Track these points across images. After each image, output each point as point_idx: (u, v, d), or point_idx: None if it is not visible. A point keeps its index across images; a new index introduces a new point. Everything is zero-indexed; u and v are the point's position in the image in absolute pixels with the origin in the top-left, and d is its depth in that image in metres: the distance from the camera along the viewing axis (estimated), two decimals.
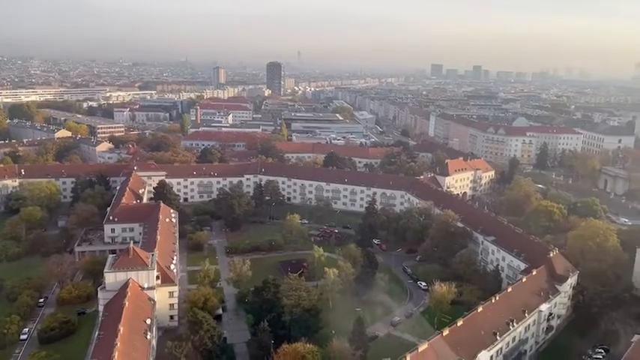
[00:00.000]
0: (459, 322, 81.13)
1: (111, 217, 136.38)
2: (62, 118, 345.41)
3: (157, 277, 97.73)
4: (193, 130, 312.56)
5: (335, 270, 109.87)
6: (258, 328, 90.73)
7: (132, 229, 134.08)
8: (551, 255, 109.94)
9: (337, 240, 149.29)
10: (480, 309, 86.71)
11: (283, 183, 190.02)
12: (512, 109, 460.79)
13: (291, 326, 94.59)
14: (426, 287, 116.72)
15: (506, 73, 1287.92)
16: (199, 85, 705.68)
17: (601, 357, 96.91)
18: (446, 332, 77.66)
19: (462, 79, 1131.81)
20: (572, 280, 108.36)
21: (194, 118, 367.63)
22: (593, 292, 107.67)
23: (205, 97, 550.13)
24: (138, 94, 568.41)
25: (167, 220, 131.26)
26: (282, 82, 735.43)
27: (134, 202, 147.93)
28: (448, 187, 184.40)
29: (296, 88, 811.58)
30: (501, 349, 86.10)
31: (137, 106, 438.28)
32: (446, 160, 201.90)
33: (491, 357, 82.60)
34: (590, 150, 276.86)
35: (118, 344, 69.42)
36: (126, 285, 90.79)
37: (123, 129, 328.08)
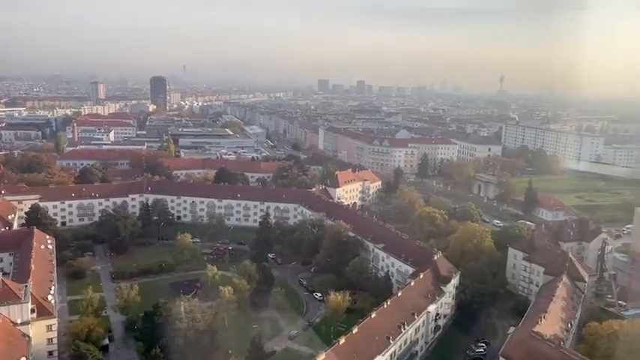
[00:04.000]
0: (355, 330, 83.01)
1: None
2: None
3: (32, 311, 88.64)
4: (70, 148, 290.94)
5: (230, 288, 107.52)
6: (149, 356, 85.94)
7: (1, 260, 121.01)
8: (436, 258, 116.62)
9: (231, 257, 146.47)
10: (373, 315, 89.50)
11: (172, 201, 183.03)
12: (395, 122, 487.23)
13: (185, 350, 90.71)
14: (322, 298, 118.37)
15: (387, 88, 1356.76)
16: (76, 101, 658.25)
17: (482, 350, 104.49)
18: (342, 341, 79.00)
19: (347, 94, 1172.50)
20: (454, 281, 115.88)
21: (71, 136, 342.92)
22: (473, 290, 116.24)
23: (83, 113, 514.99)
24: (4, 111, 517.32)
25: (42, 247, 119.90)
26: (168, 97, 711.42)
27: (3, 229, 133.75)
28: (339, 198, 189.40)
29: (183, 102, 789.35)
30: (395, 352, 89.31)
31: (3, 124, 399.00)
32: (336, 172, 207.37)
33: None
34: (464, 159, 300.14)
35: None
36: None
37: None
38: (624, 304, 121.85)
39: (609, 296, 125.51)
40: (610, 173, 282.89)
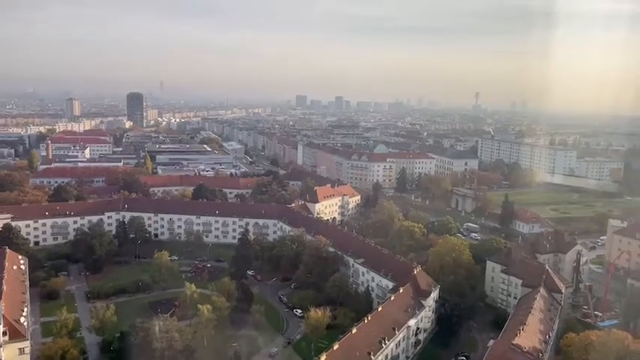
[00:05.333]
0: (335, 346, 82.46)
1: None
2: None
3: (4, 333, 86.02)
4: (44, 166, 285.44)
5: (209, 306, 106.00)
6: None
7: None
8: (415, 272, 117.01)
9: (210, 274, 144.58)
10: (354, 330, 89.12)
11: (149, 219, 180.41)
12: (373, 137, 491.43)
13: None
14: (302, 314, 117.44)
15: (365, 104, 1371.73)
16: (50, 118, 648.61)
17: None
18: (323, 358, 78.26)
19: (325, 110, 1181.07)
20: (434, 295, 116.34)
21: (45, 154, 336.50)
22: (453, 304, 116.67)
23: (58, 130, 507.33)
24: None
25: (14, 267, 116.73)
26: (145, 114, 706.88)
27: None
28: (318, 214, 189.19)
29: (160, 119, 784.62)
30: None
31: None
32: (315, 188, 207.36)
33: None
34: (442, 173, 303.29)
35: None
36: None
37: None
38: (600, 314, 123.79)
39: (585, 307, 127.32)
40: (583, 186, 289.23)
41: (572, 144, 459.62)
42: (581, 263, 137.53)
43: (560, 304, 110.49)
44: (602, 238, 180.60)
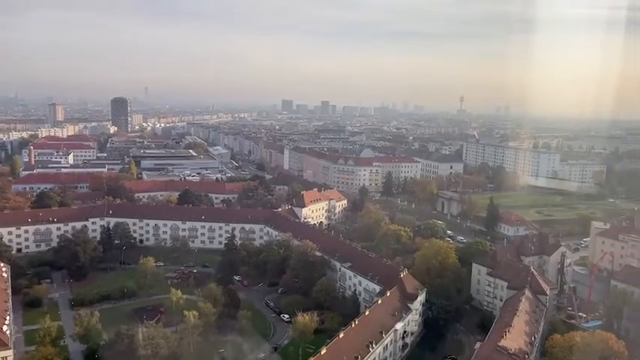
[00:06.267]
0: (323, 351, 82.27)
1: None
2: None
3: None
4: (27, 172, 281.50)
5: (195, 312, 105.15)
6: None
7: None
8: (402, 275, 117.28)
9: (196, 280, 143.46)
10: (341, 335, 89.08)
11: (134, 224, 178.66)
12: (359, 142, 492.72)
13: None
14: (289, 319, 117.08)
15: (351, 108, 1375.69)
16: (33, 124, 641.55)
17: None
18: None
19: (311, 114, 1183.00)
20: (421, 298, 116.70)
21: (27, 160, 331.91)
22: (439, 307, 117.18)
23: (41, 136, 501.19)
24: None
25: None
26: (130, 119, 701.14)
27: None
28: (305, 218, 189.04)
29: (145, 124, 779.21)
30: None
31: None
32: (301, 192, 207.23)
33: None
34: (427, 176, 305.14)
35: None
36: None
37: None
38: (584, 315, 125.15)
39: (570, 308, 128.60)
40: (566, 188, 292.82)
41: (555, 147, 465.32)
42: (565, 265, 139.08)
43: (545, 306, 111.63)
44: (585, 239, 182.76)
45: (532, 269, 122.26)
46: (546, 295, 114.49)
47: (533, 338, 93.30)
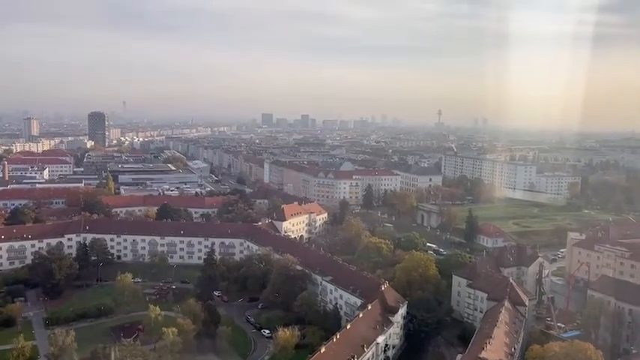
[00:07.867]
0: None
1: None
2: None
3: None
4: (1, 188, 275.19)
5: (174, 329, 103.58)
6: None
7: None
8: (383, 288, 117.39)
9: (175, 296, 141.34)
10: (323, 349, 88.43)
11: (112, 240, 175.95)
12: (339, 155, 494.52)
13: None
14: (270, 335, 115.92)
15: (331, 122, 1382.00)
16: (7, 138, 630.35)
17: None
18: None
19: (291, 128, 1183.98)
20: (402, 311, 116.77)
21: (1, 175, 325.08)
22: (420, 320, 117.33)
23: (15, 150, 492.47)
24: None
25: None
26: (107, 133, 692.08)
27: None
28: (286, 232, 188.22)
29: (122, 138, 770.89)
30: None
31: None
32: (282, 206, 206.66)
33: None
34: (407, 189, 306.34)
35: None
36: None
37: None
38: (563, 326, 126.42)
39: (549, 319, 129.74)
40: (543, 200, 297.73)
41: (531, 159, 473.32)
42: (543, 276, 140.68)
43: (525, 317, 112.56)
44: (562, 250, 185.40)
45: (511, 280, 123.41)
46: (525, 305, 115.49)
47: (513, 349, 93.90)
